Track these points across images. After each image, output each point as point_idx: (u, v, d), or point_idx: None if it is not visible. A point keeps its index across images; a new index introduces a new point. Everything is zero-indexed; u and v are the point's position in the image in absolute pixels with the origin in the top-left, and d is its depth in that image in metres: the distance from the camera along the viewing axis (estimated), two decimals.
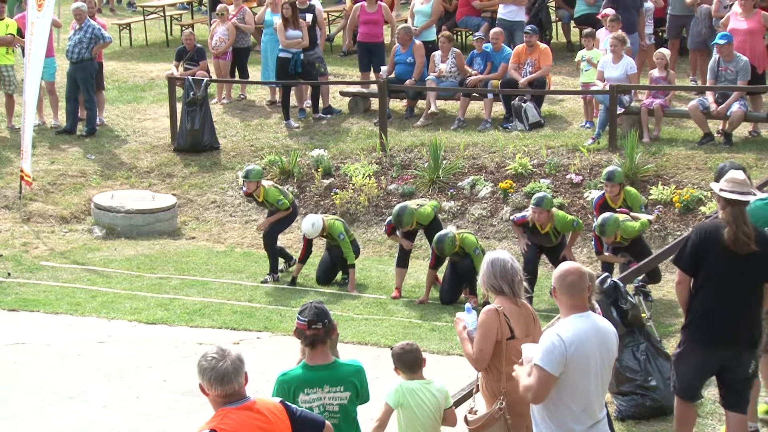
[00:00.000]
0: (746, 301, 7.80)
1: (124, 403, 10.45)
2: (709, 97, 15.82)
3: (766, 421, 8.89)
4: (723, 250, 7.68)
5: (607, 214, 12.35)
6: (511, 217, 13.87)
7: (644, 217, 12.68)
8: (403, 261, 13.41)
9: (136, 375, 11.09)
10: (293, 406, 5.88)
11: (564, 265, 6.47)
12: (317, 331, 6.56)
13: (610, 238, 12.28)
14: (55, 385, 10.81)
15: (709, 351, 7.83)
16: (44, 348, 11.78)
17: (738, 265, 7.68)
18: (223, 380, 5.55)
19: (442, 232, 12.91)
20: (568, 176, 15.37)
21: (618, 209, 12.72)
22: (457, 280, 12.99)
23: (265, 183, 14.15)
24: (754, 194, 8.08)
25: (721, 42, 15.44)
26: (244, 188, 14.22)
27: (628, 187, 13.28)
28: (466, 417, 7.16)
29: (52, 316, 12.69)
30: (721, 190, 7.79)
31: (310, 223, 13.44)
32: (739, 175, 7.90)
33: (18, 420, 10.12)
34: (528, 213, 12.81)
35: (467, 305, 7.32)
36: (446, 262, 13.14)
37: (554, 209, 12.95)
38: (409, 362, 7.21)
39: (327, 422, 5.97)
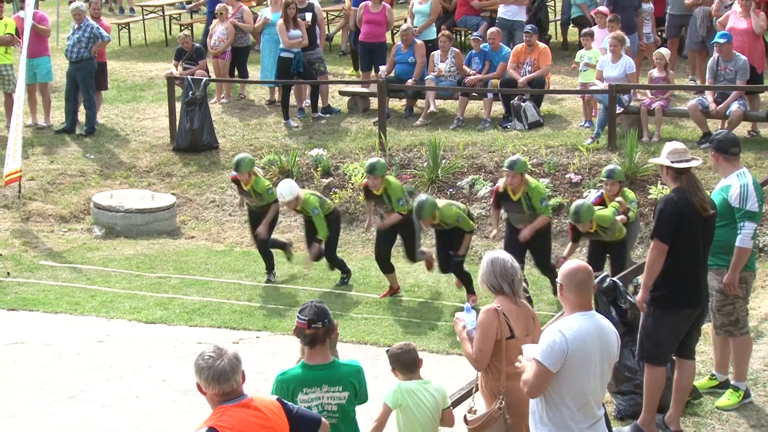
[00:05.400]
0: (705, 261, 8.43)
1: (124, 402, 10.45)
2: (709, 96, 15.84)
3: (708, 393, 9.28)
4: (693, 216, 8.15)
5: (580, 201, 12.36)
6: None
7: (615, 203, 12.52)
8: (385, 266, 13.24)
9: (135, 374, 11.09)
10: (290, 403, 5.90)
11: (572, 263, 6.45)
12: (317, 331, 6.56)
13: (586, 225, 11.95)
14: (55, 384, 10.82)
15: (685, 312, 8.32)
16: (44, 347, 11.79)
17: (701, 229, 8.24)
18: (221, 379, 5.56)
19: (421, 196, 12.80)
20: (567, 176, 15.38)
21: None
22: (449, 246, 12.80)
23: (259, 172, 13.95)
24: (697, 159, 8.55)
25: (721, 41, 15.45)
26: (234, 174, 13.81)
27: (626, 189, 13.09)
28: (465, 417, 7.16)
29: (51, 316, 12.70)
30: (672, 162, 8.20)
31: (287, 187, 13.21)
32: (679, 145, 8.43)
33: (17, 419, 10.11)
34: (501, 180, 12.71)
35: (467, 305, 7.33)
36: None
37: (531, 179, 12.66)
38: (406, 362, 7.20)
39: (324, 420, 5.99)
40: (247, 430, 5.53)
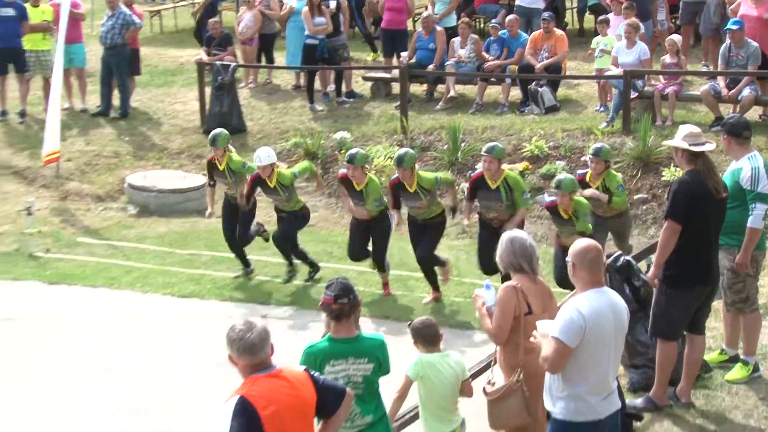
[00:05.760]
0: (716, 242, 8.47)
1: (158, 373, 10.56)
2: (721, 82, 15.77)
3: (718, 367, 9.33)
4: (707, 197, 8.19)
5: (563, 174, 12.02)
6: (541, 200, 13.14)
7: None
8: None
9: (169, 347, 11.18)
10: (317, 374, 5.96)
11: (582, 242, 6.49)
12: (343, 306, 6.62)
13: (565, 197, 11.11)
14: (92, 356, 10.93)
15: (698, 290, 8.38)
16: (82, 320, 11.90)
17: (713, 210, 8.29)
18: (251, 350, 5.64)
19: (402, 149, 12.46)
20: (582, 158, 15.29)
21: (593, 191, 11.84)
22: (422, 236, 12.14)
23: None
24: (711, 143, 8.57)
25: (734, 28, 15.41)
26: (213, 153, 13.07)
27: (611, 171, 12.18)
28: (484, 388, 7.20)
29: (89, 290, 12.85)
30: (690, 145, 8.22)
31: (266, 151, 12.58)
32: (695, 128, 8.45)
33: (56, 391, 10.23)
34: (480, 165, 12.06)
35: (486, 282, 7.36)
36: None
37: (509, 171, 11.90)
38: (428, 336, 7.26)
39: (348, 390, 6.06)
40: (276, 399, 5.60)
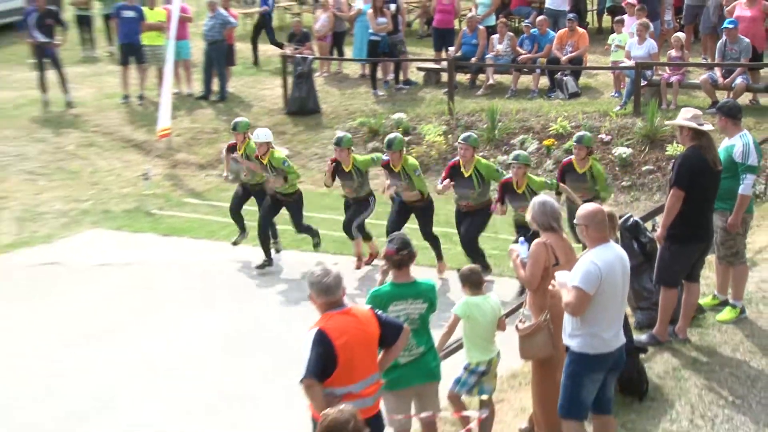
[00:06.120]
0: (712, 206, 8.42)
1: (249, 309, 10.67)
2: (717, 72, 15.59)
3: (711, 310, 9.31)
4: (706, 170, 8.13)
5: (522, 151, 11.03)
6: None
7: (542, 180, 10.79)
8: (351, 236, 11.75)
9: (258, 288, 11.27)
10: (380, 312, 6.00)
11: (589, 206, 6.47)
12: (403, 257, 6.62)
13: (520, 169, 10.28)
14: (195, 296, 11.07)
15: (694, 246, 8.37)
16: (188, 266, 12.02)
17: (711, 180, 8.22)
18: (328, 291, 5.68)
19: (392, 133, 11.70)
20: (599, 136, 15.19)
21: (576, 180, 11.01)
22: (405, 218, 11.31)
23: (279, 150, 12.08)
24: (708, 124, 8.53)
25: (729, 26, 15.32)
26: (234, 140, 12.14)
27: (596, 162, 11.22)
28: (517, 326, 7.17)
29: (194, 241, 12.96)
30: (699, 125, 8.17)
31: (264, 131, 11.77)
32: (697, 110, 8.39)
33: (168, 321, 10.39)
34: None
35: (522, 239, 7.30)
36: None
37: (483, 160, 11.05)
38: (474, 281, 7.24)
39: (405, 326, 6.08)
40: (347, 332, 5.65)
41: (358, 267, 11.71)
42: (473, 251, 10.92)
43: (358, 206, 11.59)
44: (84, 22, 21.51)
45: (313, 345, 5.54)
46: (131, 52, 17.97)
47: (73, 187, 15.02)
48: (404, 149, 11.12)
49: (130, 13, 17.85)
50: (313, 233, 12.14)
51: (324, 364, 5.52)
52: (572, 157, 11.21)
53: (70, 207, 14.26)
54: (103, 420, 8.38)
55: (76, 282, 11.45)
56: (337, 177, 11.55)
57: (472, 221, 10.96)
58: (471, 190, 10.79)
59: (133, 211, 14.12)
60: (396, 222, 11.09)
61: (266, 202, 11.90)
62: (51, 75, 17.72)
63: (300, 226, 12.05)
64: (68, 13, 21.17)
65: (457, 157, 10.91)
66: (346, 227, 11.64)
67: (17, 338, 9.95)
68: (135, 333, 10.06)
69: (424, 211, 11.36)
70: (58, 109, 17.67)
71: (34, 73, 17.99)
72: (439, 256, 11.51)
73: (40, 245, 12.76)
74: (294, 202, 11.90)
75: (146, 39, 17.90)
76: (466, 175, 10.73)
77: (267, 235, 11.98)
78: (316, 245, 12.18)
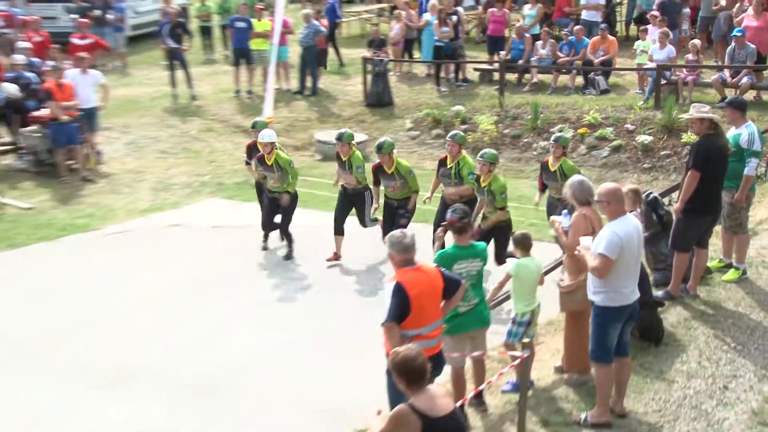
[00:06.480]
0: (722, 185, 8.31)
1: (343, 263, 10.66)
2: (726, 73, 15.26)
3: (717, 271, 9.16)
4: (718, 154, 8.05)
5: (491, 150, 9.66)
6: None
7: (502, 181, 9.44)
8: (338, 228, 10.67)
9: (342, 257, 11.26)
10: (443, 269, 6.03)
11: (610, 185, 6.36)
12: (465, 223, 6.63)
13: (485, 166, 9.17)
14: (273, 257, 10.89)
15: (705, 218, 8.29)
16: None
17: (721, 164, 8.12)
18: (405, 251, 5.74)
19: (383, 137, 10.53)
20: (625, 125, 14.97)
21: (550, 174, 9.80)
22: (394, 216, 10.24)
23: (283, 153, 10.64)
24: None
25: (738, 34, 15.03)
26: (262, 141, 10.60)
27: (567, 159, 9.85)
28: (558, 283, 7.16)
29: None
30: (705, 113, 8.09)
31: (269, 132, 10.64)
32: (704, 105, 8.31)
33: (263, 277, 10.37)
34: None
35: (564, 212, 7.22)
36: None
37: (466, 155, 9.90)
38: (525, 245, 7.21)
39: (463, 281, 6.11)
40: (419, 284, 5.71)
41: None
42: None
43: (360, 201, 10.51)
44: (205, 32, 21.81)
45: (393, 295, 5.60)
46: (242, 55, 18.13)
47: (195, 163, 15.25)
48: (394, 152, 10.04)
49: (241, 24, 18.02)
50: (290, 241, 10.71)
51: (401, 310, 5.57)
52: (550, 156, 9.95)
53: (192, 180, 14.47)
54: (217, 348, 8.53)
55: (196, 240, 11.60)
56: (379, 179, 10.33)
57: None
58: (450, 179, 9.79)
59: (242, 183, 14.20)
60: (389, 222, 10.13)
61: (265, 202, 10.90)
62: (179, 74, 17.98)
63: (285, 231, 10.74)
64: (194, 24, 21.44)
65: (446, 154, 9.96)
66: (362, 222, 10.67)
67: (153, 283, 10.14)
68: (242, 281, 10.14)
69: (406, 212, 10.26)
70: (184, 102, 17.94)
71: (166, 72, 18.31)
72: None
73: (169, 210, 12.95)
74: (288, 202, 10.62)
75: (254, 44, 18.02)
76: (449, 166, 9.77)
77: (271, 228, 10.91)
78: (287, 257, 10.70)
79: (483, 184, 9.36)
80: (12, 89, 14.38)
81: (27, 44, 15.88)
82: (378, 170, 10.20)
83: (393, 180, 10.09)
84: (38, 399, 7.53)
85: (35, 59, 15.47)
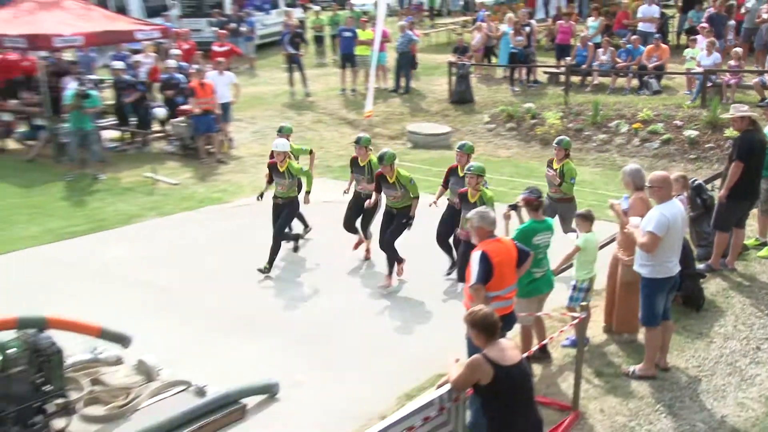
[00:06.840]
0: (761, 175, 8.02)
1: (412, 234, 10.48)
2: (766, 77, 14.48)
3: (753, 248, 8.76)
4: (759, 147, 7.75)
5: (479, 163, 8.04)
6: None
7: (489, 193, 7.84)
8: (351, 230, 9.38)
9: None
10: (516, 242, 5.93)
11: (659, 173, 6.13)
12: (540, 202, 6.56)
13: (472, 179, 7.69)
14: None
15: (746, 202, 8.00)
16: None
17: (761, 155, 7.79)
18: (491, 224, 5.70)
19: (384, 149, 8.83)
20: (674, 122, 14.33)
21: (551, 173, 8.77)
22: (388, 225, 8.77)
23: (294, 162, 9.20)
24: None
25: None
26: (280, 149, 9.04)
27: (570, 161, 8.72)
28: (618, 256, 6.95)
29: None
30: (744, 111, 7.75)
31: (282, 141, 9.16)
32: (742, 105, 7.95)
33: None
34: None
35: (625, 195, 6.97)
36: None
37: (570, 159, 8.69)
38: (590, 219, 7.02)
39: (531, 252, 5.98)
40: (499, 253, 5.66)
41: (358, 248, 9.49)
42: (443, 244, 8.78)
43: (371, 208, 9.04)
44: (318, 40, 22.03)
45: (480, 261, 5.57)
46: (348, 60, 18.16)
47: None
48: (395, 162, 8.62)
49: (348, 34, 18.05)
50: (276, 250, 9.06)
51: (486, 274, 5.53)
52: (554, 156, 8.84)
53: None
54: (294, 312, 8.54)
55: (307, 214, 11.22)
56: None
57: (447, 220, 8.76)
58: (459, 187, 8.26)
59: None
60: (385, 227, 8.84)
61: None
62: (296, 75, 18.18)
63: (279, 233, 9.11)
64: (309, 34, 21.70)
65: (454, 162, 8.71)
66: (364, 227, 9.43)
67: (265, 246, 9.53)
68: (343, 248, 9.90)
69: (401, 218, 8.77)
70: (300, 98, 18.11)
71: (286, 74, 18.55)
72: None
73: None
74: (289, 207, 9.23)
75: (358, 51, 18.03)
76: (461, 174, 8.30)
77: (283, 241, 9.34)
78: (265, 269, 8.98)
79: (471, 200, 7.75)
80: (161, 113, 14.91)
81: (178, 51, 16.33)
82: (380, 178, 8.69)
83: (394, 189, 8.60)
84: (182, 339, 7.64)
85: (183, 63, 15.90)
